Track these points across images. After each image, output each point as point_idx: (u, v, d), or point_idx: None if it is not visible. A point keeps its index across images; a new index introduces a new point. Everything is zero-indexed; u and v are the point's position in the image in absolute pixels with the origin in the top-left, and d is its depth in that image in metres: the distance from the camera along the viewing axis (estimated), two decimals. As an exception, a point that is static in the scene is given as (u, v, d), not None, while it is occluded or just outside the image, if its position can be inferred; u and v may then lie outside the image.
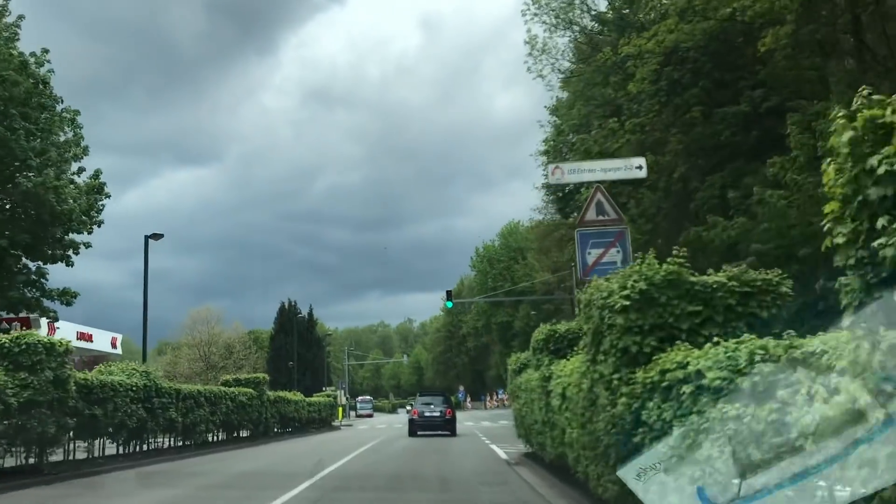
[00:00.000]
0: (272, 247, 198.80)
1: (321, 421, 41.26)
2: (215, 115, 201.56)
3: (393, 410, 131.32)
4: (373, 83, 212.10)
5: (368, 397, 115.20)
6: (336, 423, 46.76)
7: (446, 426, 27.55)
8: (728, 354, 5.24)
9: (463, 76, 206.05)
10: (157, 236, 28.42)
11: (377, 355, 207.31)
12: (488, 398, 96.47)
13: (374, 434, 33.98)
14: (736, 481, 4.14)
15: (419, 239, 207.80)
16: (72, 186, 22.14)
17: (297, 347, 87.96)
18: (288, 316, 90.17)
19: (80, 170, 23.11)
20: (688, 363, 5.76)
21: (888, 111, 3.32)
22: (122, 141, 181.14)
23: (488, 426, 40.08)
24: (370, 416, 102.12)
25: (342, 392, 53.31)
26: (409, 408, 50.81)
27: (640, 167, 15.88)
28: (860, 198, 3.36)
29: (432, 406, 28.51)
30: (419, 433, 26.96)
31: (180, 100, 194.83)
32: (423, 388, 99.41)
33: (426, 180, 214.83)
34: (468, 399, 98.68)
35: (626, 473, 4.78)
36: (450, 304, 39.26)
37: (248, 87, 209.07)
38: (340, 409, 50.47)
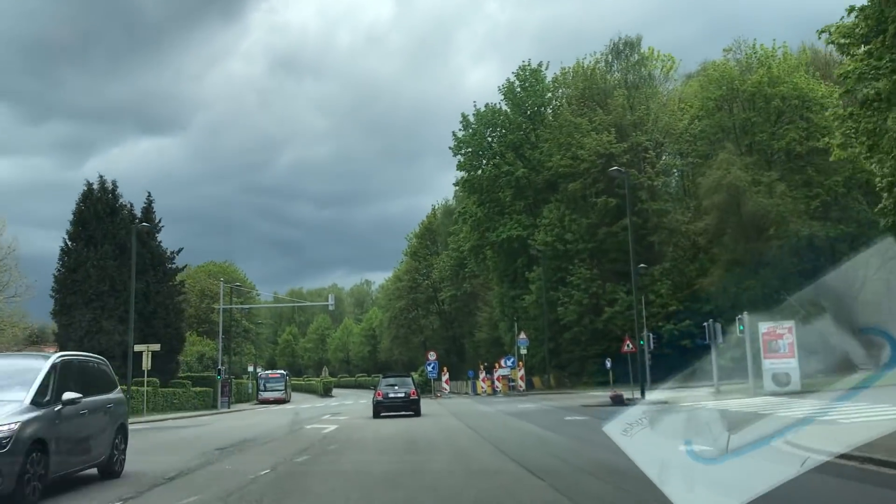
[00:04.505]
0: (236, 221, 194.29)
1: None
2: (179, 81, 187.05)
3: (326, 393, 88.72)
4: (343, 52, 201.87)
5: (280, 372, 72.73)
6: None
7: (410, 406, 27.04)
8: None
9: (434, 49, 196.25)
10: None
11: (323, 321, 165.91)
12: (480, 375, 54.28)
13: None
14: (725, 434, 4.22)
15: (385, 217, 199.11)
16: None
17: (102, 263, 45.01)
18: (96, 209, 46.63)
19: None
20: None
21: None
22: (83, 107, 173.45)
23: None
24: (282, 400, 61.67)
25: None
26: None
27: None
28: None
29: (396, 387, 28.01)
30: (383, 414, 26.55)
31: (143, 65, 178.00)
32: (383, 369, 79.79)
33: (393, 156, 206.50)
34: (444, 376, 55.83)
35: (611, 429, 4.81)
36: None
37: (213, 54, 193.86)
38: None
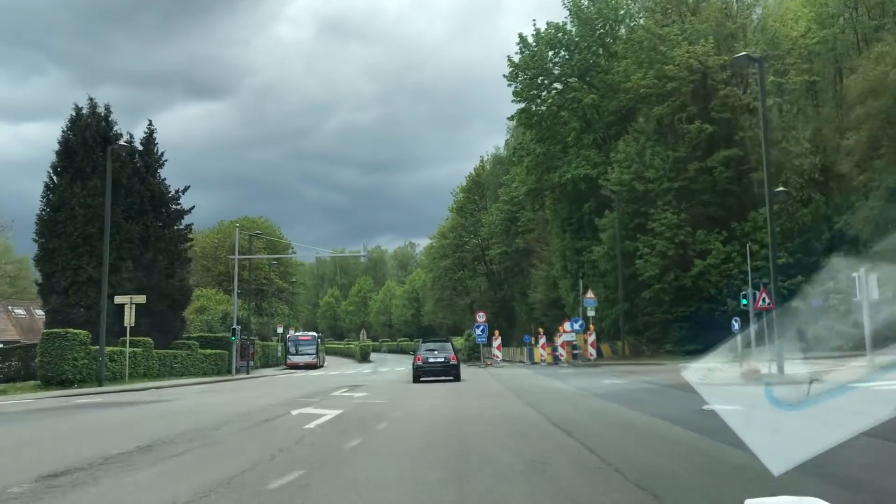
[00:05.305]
0: (282, 186, 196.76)
1: None
2: (228, 46, 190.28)
3: (364, 358, 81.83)
4: (390, 16, 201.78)
5: (312, 334, 65.80)
6: None
7: (450, 371, 27.47)
8: None
9: (483, 12, 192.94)
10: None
11: (365, 283, 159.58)
12: (539, 340, 46.53)
13: None
14: (806, 384, 3.91)
15: (431, 183, 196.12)
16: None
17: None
18: (84, 138, 39.70)
19: None
20: None
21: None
22: (134, 72, 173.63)
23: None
24: (313, 365, 55.23)
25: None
26: None
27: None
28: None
29: (436, 352, 28.34)
30: (423, 379, 27.12)
31: (192, 30, 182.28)
32: (426, 334, 74.17)
33: (440, 122, 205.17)
34: (496, 341, 47.93)
35: (690, 374, 4.89)
36: None
37: (261, 18, 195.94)
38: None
